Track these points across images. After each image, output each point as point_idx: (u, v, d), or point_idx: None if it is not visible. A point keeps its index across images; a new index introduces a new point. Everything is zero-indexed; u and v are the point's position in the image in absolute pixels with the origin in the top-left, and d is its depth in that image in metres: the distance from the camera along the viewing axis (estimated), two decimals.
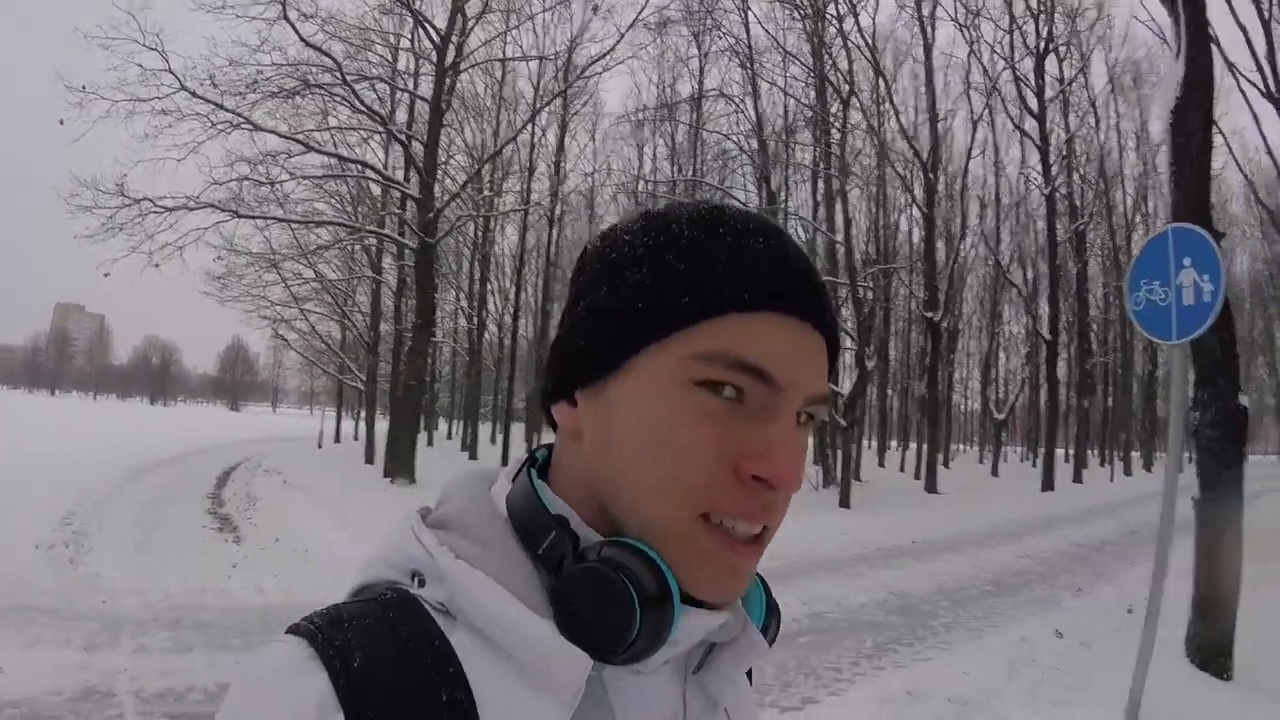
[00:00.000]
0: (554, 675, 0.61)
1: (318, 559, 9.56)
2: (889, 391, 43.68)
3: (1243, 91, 15.76)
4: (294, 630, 0.61)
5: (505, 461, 19.07)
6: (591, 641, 0.62)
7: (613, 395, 0.69)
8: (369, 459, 24.85)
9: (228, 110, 16.31)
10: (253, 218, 18.15)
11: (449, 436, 50.61)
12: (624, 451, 0.67)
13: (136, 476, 17.79)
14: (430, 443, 38.39)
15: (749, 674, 0.84)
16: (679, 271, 0.67)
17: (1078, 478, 31.17)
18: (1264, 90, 14.83)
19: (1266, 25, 15.19)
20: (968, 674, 6.53)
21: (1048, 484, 26.31)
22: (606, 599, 0.62)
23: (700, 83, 30.51)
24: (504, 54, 26.42)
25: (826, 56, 22.41)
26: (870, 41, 22.77)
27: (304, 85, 17.48)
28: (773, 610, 0.80)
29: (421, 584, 0.66)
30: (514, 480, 0.74)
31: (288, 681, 0.57)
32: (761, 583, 0.80)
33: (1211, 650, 6.29)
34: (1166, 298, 5.35)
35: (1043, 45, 27.62)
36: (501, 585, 0.63)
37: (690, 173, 29.14)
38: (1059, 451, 42.51)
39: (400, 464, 18.21)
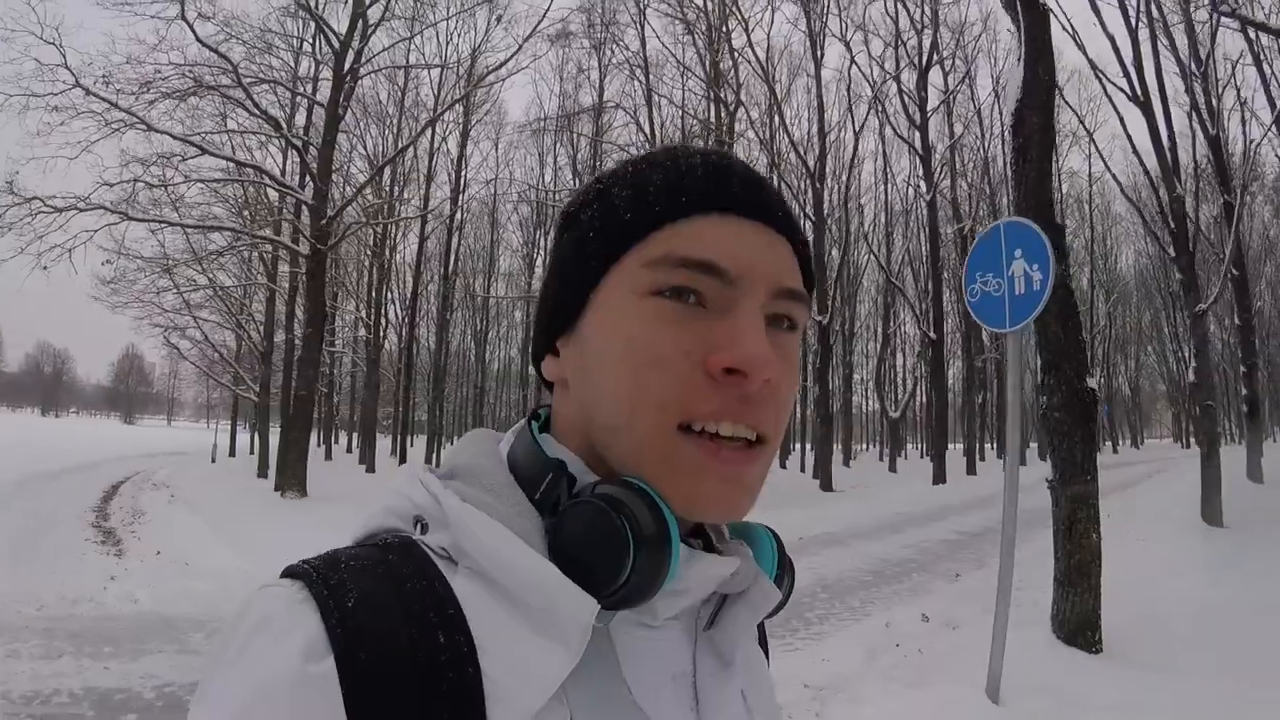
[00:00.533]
0: (559, 619, 0.59)
1: (197, 571, 9.44)
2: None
3: (1109, 97, 16.51)
4: (289, 573, 0.60)
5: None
6: (587, 581, 0.60)
7: (584, 331, 0.70)
8: (262, 473, 24.40)
9: (121, 109, 16.04)
10: (144, 220, 17.77)
11: (348, 450, 49.35)
12: (597, 378, 0.68)
13: (22, 489, 17.35)
14: (329, 456, 37.92)
15: (764, 638, 0.87)
16: (624, 197, 0.69)
17: (971, 470, 32.04)
18: (1130, 94, 15.57)
19: (1133, 33, 16.00)
20: (826, 660, 6.67)
21: (939, 477, 26.98)
22: (599, 534, 0.61)
23: (600, 94, 30.98)
24: (406, 61, 26.28)
25: (718, 71, 22.90)
26: (760, 58, 23.32)
27: (198, 87, 17.24)
28: (785, 563, 0.79)
29: (425, 530, 0.66)
30: (516, 437, 0.75)
31: (277, 622, 0.55)
32: (773, 535, 0.79)
33: (1077, 624, 6.45)
34: (1000, 288, 5.60)
35: (925, 59, 28.53)
36: (508, 528, 0.63)
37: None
38: (955, 446, 43.86)
39: (290, 477, 17.92)
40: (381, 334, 33.08)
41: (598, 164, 30.63)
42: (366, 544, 0.64)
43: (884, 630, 7.59)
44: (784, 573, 0.78)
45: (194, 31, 16.48)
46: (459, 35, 30.78)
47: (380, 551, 0.62)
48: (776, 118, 26.14)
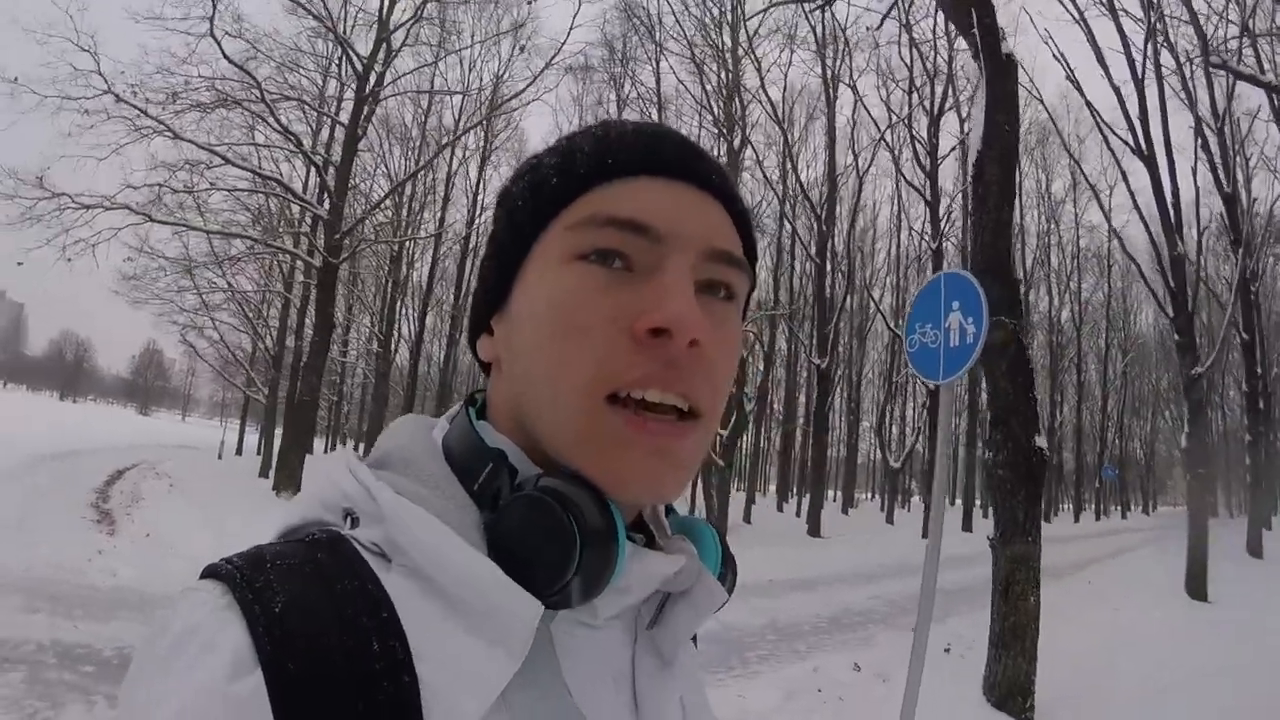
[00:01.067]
0: (501, 620, 0.56)
1: (180, 555, 9.98)
2: (795, 439, 44.47)
3: (1111, 150, 16.59)
4: (211, 573, 0.56)
5: None
6: (530, 579, 0.57)
7: (514, 305, 0.68)
8: (264, 472, 24.91)
9: (150, 117, 16.62)
10: (167, 223, 18.27)
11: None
12: (523, 352, 0.65)
13: (35, 465, 18.06)
14: None
15: (695, 641, 0.82)
16: (551, 165, 0.67)
17: (966, 525, 31.78)
18: (1133, 147, 15.55)
19: (1139, 84, 16.06)
20: (742, 696, 6.70)
21: (927, 531, 26.91)
22: (543, 530, 0.58)
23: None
24: (431, 86, 27.00)
25: (729, 111, 23.43)
26: (775, 98, 23.82)
27: (224, 101, 17.85)
28: (728, 560, 0.75)
29: (355, 524, 0.62)
30: (452, 423, 0.71)
31: (201, 634, 0.51)
32: (716, 531, 0.75)
33: (1008, 688, 6.29)
34: (936, 340, 5.51)
35: (938, 105, 28.86)
36: (445, 523, 0.59)
37: None
38: (957, 502, 43.41)
39: (287, 477, 18.42)
40: (394, 349, 33.59)
41: None
42: (293, 539, 0.61)
43: (811, 674, 7.60)
44: (727, 570, 0.75)
45: (221, 48, 17.06)
46: (482, 62, 31.30)
47: (308, 549, 0.58)
48: (788, 160, 26.53)
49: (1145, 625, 10.44)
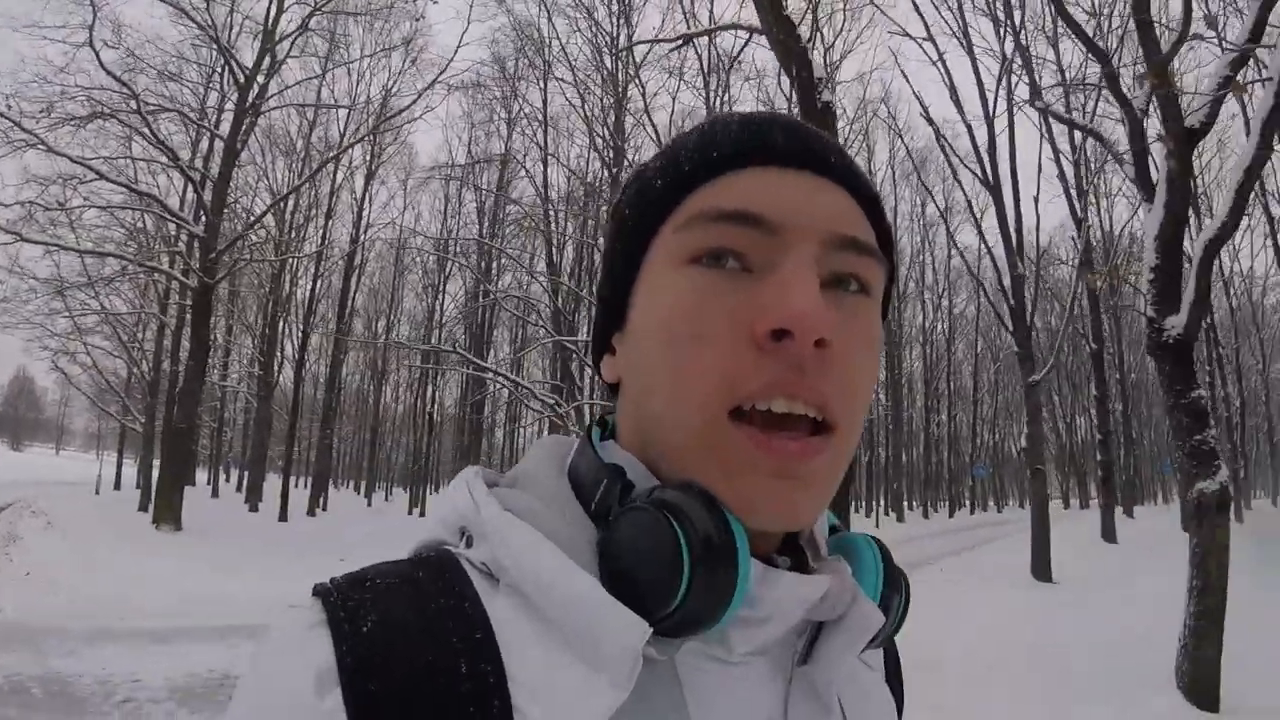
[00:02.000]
0: (603, 645, 0.51)
1: (61, 591, 10.16)
2: None
3: (959, 181, 18.42)
4: (316, 591, 0.55)
5: (282, 513, 18.61)
6: (638, 601, 0.52)
7: (632, 319, 0.64)
8: (143, 506, 23.73)
9: (24, 130, 16.22)
10: (37, 242, 17.70)
11: (239, 488, 46.50)
12: (644, 366, 0.61)
13: None
14: (215, 494, 37.08)
15: (898, 670, 0.77)
16: (657, 168, 0.64)
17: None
18: (981, 178, 17.16)
19: (990, 119, 17.65)
20: None
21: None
22: (649, 545, 0.53)
23: (506, 146, 31.37)
24: (318, 98, 26.73)
25: (612, 134, 23.79)
26: (656, 124, 24.26)
27: (100, 112, 17.51)
28: (894, 580, 0.66)
29: (470, 543, 0.60)
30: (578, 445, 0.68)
31: (293, 648, 0.51)
32: (878, 545, 0.67)
33: None
34: None
35: None
36: (552, 540, 0.56)
37: (490, 233, 30.11)
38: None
39: (165, 510, 17.91)
40: (277, 370, 32.90)
41: (499, 215, 31.34)
42: (406, 559, 0.60)
43: None
44: (893, 592, 0.66)
45: (99, 58, 16.82)
46: (371, 74, 31.12)
47: (411, 567, 0.57)
48: None
49: (986, 606, 11.28)
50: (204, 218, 19.03)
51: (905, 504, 50.97)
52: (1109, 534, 21.69)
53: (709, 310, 0.57)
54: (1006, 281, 16.94)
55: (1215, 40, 8.22)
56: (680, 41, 15.71)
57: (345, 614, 0.52)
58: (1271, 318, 44.19)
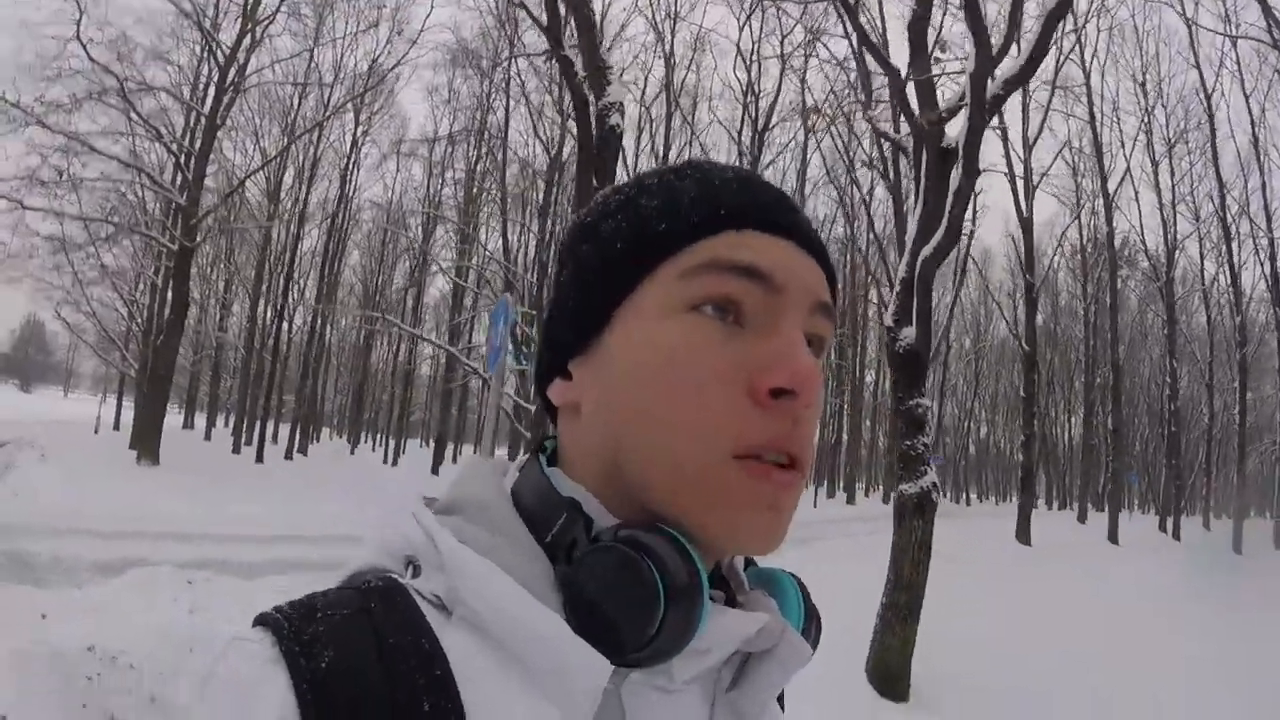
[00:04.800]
0: (567, 683, 0.53)
1: (40, 502, 12.44)
2: None
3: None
4: (261, 621, 0.53)
5: (259, 455, 20.98)
6: (606, 639, 0.54)
7: (608, 349, 0.64)
8: (134, 444, 26.21)
9: (22, 110, 18.09)
10: (36, 209, 19.81)
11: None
12: (627, 403, 0.61)
13: None
14: (208, 437, 39.28)
15: (780, 696, 0.75)
16: (653, 207, 0.65)
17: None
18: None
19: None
20: None
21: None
22: (626, 584, 0.54)
23: (482, 119, 32.58)
24: (307, 70, 28.52)
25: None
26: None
27: (88, 96, 19.47)
28: (812, 613, 0.71)
29: (416, 573, 0.59)
30: (521, 471, 0.67)
31: (246, 689, 0.49)
32: (798, 584, 0.71)
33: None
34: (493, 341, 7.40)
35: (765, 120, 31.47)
36: (511, 575, 0.56)
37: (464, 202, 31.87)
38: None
39: (146, 446, 20.06)
40: (269, 321, 34.84)
41: (475, 186, 33.07)
42: (349, 587, 0.58)
43: None
44: (810, 624, 0.70)
45: (86, 51, 18.81)
46: (358, 42, 32.74)
47: (362, 598, 0.55)
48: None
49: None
50: (186, 188, 21.05)
51: None
52: (1024, 537, 22.41)
53: (710, 359, 0.59)
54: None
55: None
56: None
57: (300, 649, 0.50)
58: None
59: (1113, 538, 25.69)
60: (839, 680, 6.60)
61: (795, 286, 0.62)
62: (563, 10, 8.81)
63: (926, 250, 7.35)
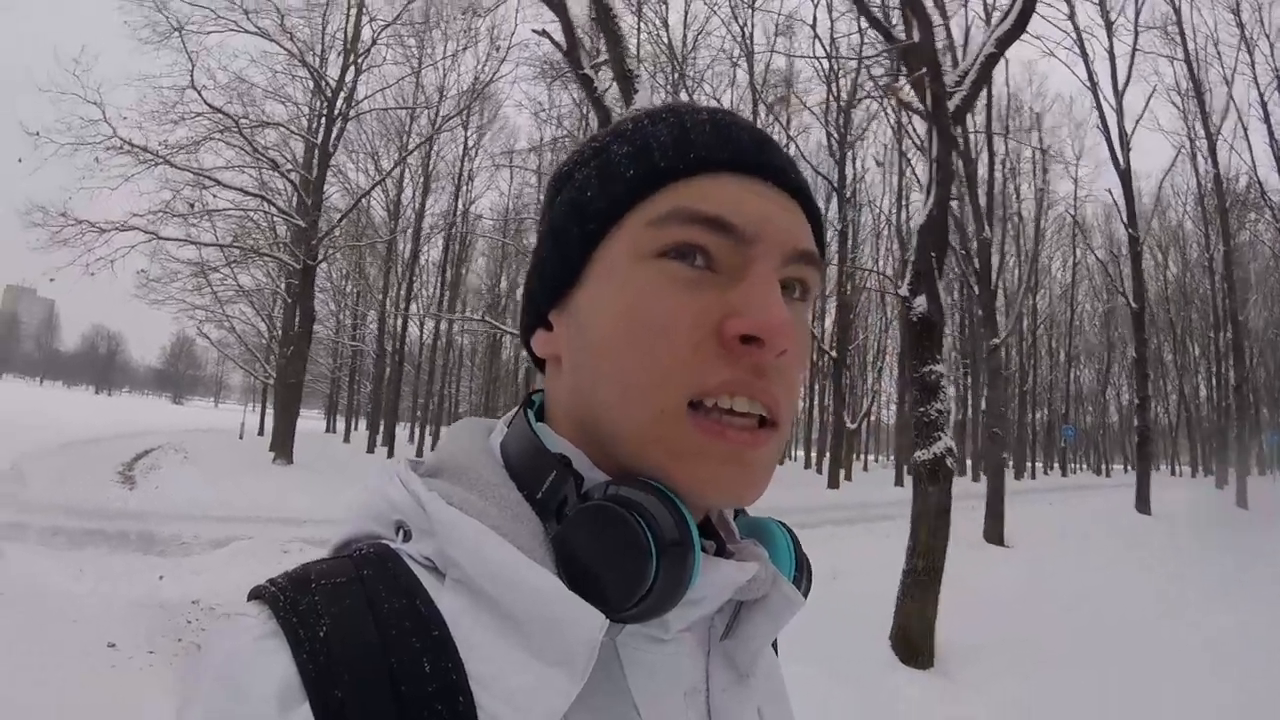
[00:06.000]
0: (563, 639, 0.53)
1: (178, 498, 13.98)
2: None
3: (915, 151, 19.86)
4: (257, 595, 0.54)
5: (390, 452, 23.12)
6: (600, 595, 0.55)
7: (581, 299, 0.64)
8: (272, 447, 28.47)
9: (150, 153, 19.99)
10: (169, 239, 21.80)
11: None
12: (596, 351, 0.62)
13: (70, 449, 21.89)
14: (348, 439, 41.80)
15: (775, 647, 0.78)
16: (624, 154, 0.64)
17: (899, 481, 32.87)
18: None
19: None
20: None
21: (833, 483, 29.09)
22: (617, 541, 0.55)
23: (584, 125, 33.01)
24: (414, 90, 30.42)
25: None
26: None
27: (208, 136, 21.34)
28: (802, 563, 0.72)
29: (407, 537, 0.60)
30: (510, 427, 0.67)
31: (246, 663, 0.49)
32: (788, 532, 0.73)
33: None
34: None
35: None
36: (502, 535, 0.56)
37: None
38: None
39: (281, 447, 21.85)
40: (400, 328, 36.31)
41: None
42: (341, 555, 0.58)
43: None
44: (802, 574, 0.71)
45: (202, 97, 20.65)
46: (459, 64, 34.14)
47: (354, 565, 0.55)
48: None
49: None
50: (306, 212, 22.79)
51: None
52: (1143, 505, 20.55)
53: (678, 305, 0.59)
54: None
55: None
56: None
57: (299, 619, 0.51)
58: None
59: (1241, 502, 23.93)
60: (862, 648, 6.58)
61: (769, 235, 0.62)
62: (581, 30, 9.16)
63: (921, 217, 7.45)
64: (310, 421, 47.23)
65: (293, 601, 0.52)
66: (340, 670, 0.49)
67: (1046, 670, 6.45)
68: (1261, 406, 44.01)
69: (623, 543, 0.55)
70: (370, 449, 33.58)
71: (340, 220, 24.70)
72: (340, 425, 49.58)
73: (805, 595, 0.70)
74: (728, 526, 0.71)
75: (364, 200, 28.82)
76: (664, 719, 0.59)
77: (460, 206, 35.97)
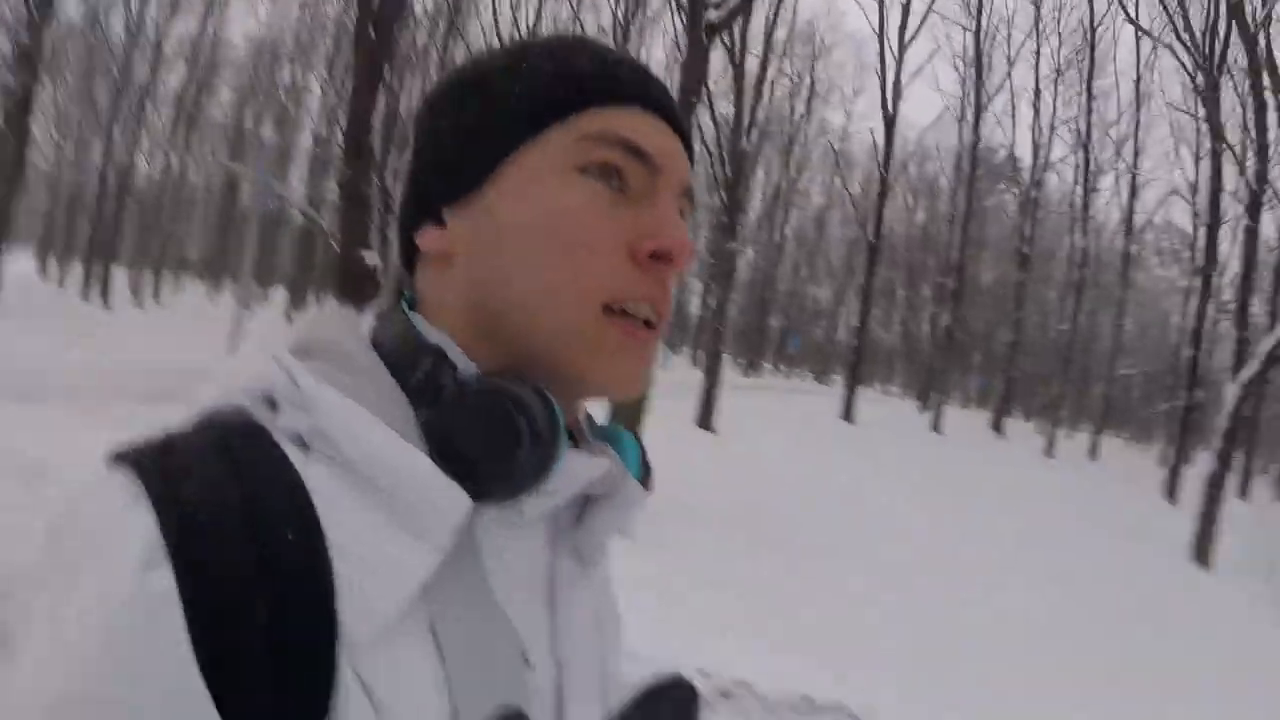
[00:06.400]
0: (428, 515, 0.54)
1: None
2: None
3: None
4: (120, 458, 0.51)
5: (105, 300, 25.10)
6: (468, 477, 0.57)
7: (492, 201, 0.65)
8: None
9: None
10: None
11: None
12: (515, 254, 0.64)
13: None
14: (62, 284, 37.71)
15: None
16: (550, 71, 0.67)
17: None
18: None
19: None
20: None
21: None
22: (493, 427, 0.57)
23: None
24: None
25: None
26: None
27: None
28: (647, 467, 0.75)
29: (275, 411, 0.58)
30: (379, 317, 0.68)
31: (109, 526, 0.49)
32: (636, 439, 0.76)
33: None
34: None
35: None
36: (375, 415, 0.57)
37: None
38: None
39: None
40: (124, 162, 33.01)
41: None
42: (205, 424, 0.56)
43: None
44: (647, 477, 0.74)
45: None
46: None
47: (220, 434, 0.54)
48: None
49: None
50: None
51: None
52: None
53: (601, 222, 0.63)
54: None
55: None
56: None
57: (163, 484, 0.50)
58: None
59: (937, 428, 27.92)
60: None
61: (670, 169, 0.67)
62: None
63: None
64: (19, 266, 42.84)
65: (157, 465, 0.51)
66: (203, 534, 0.49)
67: (719, 534, 7.70)
68: (975, 351, 50.03)
69: (496, 427, 0.57)
70: (85, 296, 30.51)
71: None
72: (55, 269, 45.09)
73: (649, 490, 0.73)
74: (583, 432, 0.72)
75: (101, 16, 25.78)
76: (513, 601, 0.61)
77: (210, 30, 33.34)
